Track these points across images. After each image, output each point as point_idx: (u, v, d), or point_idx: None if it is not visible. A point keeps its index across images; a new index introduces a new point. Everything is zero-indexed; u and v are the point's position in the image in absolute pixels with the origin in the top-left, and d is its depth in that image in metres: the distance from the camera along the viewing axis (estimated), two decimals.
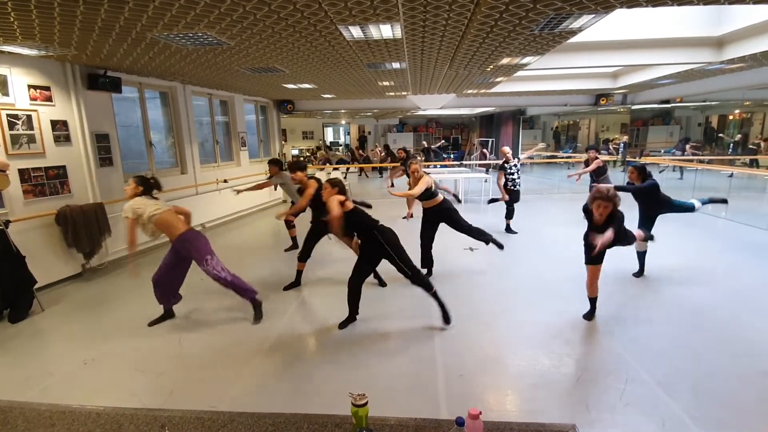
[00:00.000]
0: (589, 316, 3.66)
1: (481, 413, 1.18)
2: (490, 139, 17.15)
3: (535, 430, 1.28)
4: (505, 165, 6.40)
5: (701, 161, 12.28)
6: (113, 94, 5.54)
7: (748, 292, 4.21)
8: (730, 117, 17.21)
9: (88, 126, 5.09)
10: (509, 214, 6.59)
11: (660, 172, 12.77)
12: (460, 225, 4.75)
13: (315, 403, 2.61)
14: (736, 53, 5.40)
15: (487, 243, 4.91)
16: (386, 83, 7.18)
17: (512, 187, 6.44)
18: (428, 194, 4.58)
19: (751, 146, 12.98)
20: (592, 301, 3.67)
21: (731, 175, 11.11)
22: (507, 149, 6.49)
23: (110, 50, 4.28)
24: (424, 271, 4.70)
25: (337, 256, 5.53)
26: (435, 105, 10.08)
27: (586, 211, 3.55)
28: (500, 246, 4.90)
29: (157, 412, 1.40)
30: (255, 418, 1.34)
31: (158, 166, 6.67)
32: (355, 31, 3.69)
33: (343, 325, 3.59)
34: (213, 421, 1.34)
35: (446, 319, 3.55)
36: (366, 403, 1.27)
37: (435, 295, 3.51)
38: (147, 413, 1.40)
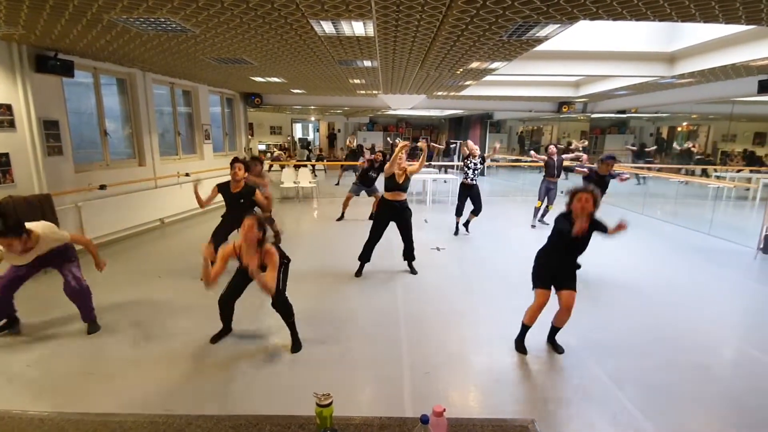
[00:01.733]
0: (520, 346, 3.20)
1: (445, 410, 1.19)
2: (458, 142, 17.47)
3: (497, 425, 1.31)
4: (466, 159, 6.52)
5: (650, 169, 13.06)
6: (64, 78, 5.18)
7: (691, 292, 4.53)
8: (679, 128, 18.43)
9: (35, 111, 4.74)
10: (458, 212, 6.66)
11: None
12: (408, 231, 4.80)
13: (277, 404, 2.56)
14: (686, 69, 5.78)
15: (409, 265, 4.99)
16: (357, 81, 7.15)
17: (469, 181, 6.49)
18: (402, 185, 4.59)
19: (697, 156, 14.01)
20: (525, 328, 3.20)
21: (686, 183, 11.88)
22: (471, 143, 6.62)
23: (62, 31, 4.00)
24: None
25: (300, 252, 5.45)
26: (405, 105, 10.15)
27: (562, 225, 2.98)
28: (413, 272, 4.91)
29: (107, 417, 1.32)
30: (214, 420, 1.30)
31: (113, 157, 6.32)
32: (327, 27, 3.65)
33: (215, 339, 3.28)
34: (168, 425, 1.28)
35: (296, 346, 3.16)
36: (330, 403, 1.25)
37: (292, 324, 3.19)
38: (95, 418, 1.32)
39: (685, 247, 6.35)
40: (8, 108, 4.52)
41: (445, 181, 10.65)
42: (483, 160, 6.61)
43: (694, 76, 6.17)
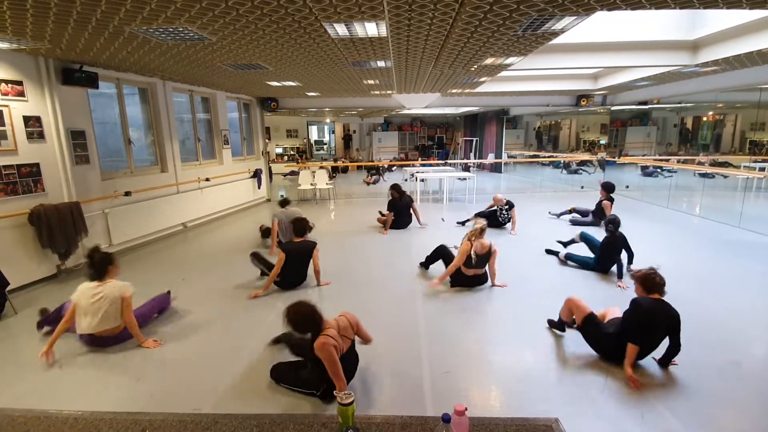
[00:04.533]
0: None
1: (466, 409, 1.19)
2: (475, 139, 17.31)
3: (520, 424, 1.30)
4: (495, 210, 6.91)
5: (677, 161, 12.66)
6: (90, 89, 5.38)
7: (720, 287, 4.37)
8: (704, 118, 17.78)
9: (62, 122, 4.93)
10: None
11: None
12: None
13: (300, 404, 2.59)
14: (710, 57, 5.58)
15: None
16: (371, 82, 7.17)
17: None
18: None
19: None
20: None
21: (713, 176, 11.47)
22: (498, 196, 6.99)
23: (86, 44, 4.15)
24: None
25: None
26: (420, 104, 10.12)
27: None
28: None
29: (137, 416, 1.37)
30: (239, 419, 1.32)
31: (137, 164, 6.51)
32: (340, 29, 3.67)
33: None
34: (196, 424, 1.31)
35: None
36: (352, 402, 1.26)
37: None
38: (127, 417, 1.36)
39: (713, 241, 6.14)
40: (38, 120, 4.71)
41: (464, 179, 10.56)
42: (510, 206, 6.90)
43: (718, 63, 5.95)
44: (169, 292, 3.96)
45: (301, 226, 4.50)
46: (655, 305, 2.82)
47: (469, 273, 4.34)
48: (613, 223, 4.77)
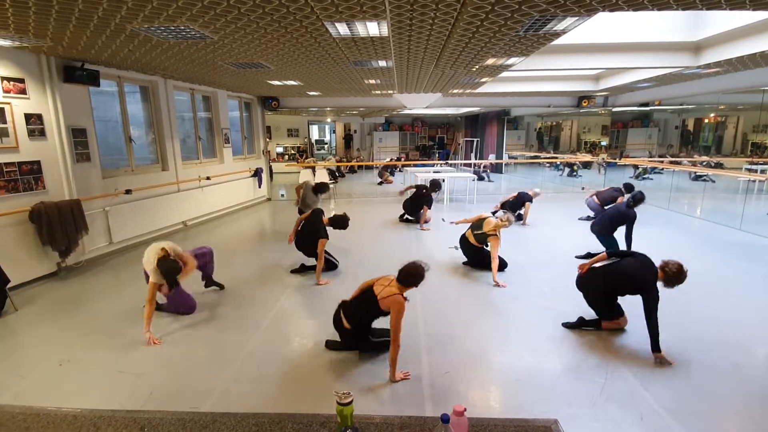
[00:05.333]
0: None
1: (465, 410, 1.19)
2: (476, 139, 17.29)
3: (519, 425, 1.30)
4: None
5: (678, 163, 12.66)
6: (91, 87, 5.38)
7: (721, 289, 4.37)
8: (706, 120, 17.74)
9: (64, 120, 4.93)
10: None
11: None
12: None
13: (299, 403, 2.59)
14: (712, 58, 5.57)
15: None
16: (372, 81, 7.16)
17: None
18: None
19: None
20: None
21: (708, 180, 11.46)
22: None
23: (88, 42, 4.15)
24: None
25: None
26: (421, 104, 10.11)
27: None
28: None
29: (137, 414, 1.37)
30: (238, 418, 1.32)
31: (138, 163, 6.51)
32: (342, 28, 3.67)
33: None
34: (195, 422, 1.31)
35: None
36: (351, 402, 1.26)
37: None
38: (126, 415, 1.36)
39: (713, 243, 6.13)
40: (39, 117, 4.71)
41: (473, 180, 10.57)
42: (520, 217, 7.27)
43: (720, 65, 5.94)
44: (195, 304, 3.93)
45: (341, 219, 4.97)
46: (637, 268, 3.30)
47: (471, 239, 4.89)
48: (633, 198, 4.79)
